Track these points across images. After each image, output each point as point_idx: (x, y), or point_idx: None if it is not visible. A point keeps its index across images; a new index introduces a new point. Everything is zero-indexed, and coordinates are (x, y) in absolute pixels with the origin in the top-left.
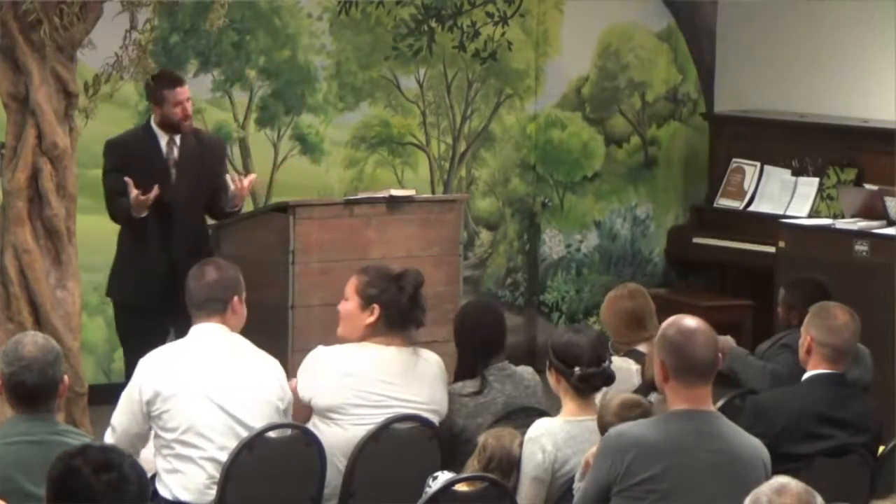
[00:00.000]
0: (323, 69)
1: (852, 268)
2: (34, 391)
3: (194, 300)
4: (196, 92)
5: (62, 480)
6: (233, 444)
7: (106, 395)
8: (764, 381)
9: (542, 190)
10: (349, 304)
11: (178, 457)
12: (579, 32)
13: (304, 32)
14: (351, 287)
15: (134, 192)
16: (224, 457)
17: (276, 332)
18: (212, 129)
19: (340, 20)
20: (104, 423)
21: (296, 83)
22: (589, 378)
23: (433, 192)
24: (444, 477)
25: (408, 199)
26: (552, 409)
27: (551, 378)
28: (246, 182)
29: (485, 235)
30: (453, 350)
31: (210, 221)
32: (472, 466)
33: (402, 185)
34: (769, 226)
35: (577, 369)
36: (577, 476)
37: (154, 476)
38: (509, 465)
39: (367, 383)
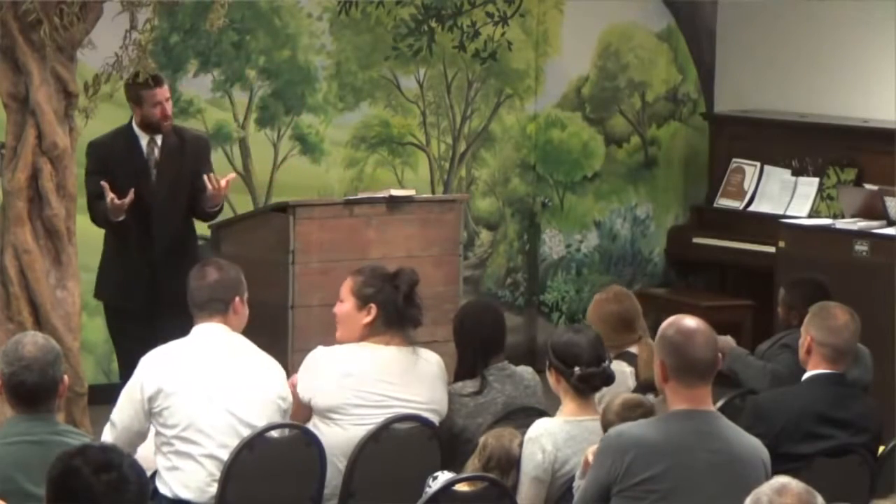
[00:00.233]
0: (323, 69)
1: (852, 268)
2: (34, 391)
3: (196, 300)
4: (196, 92)
5: (62, 480)
6: (234, 442)
7: (106, 395)
8: (764, 381)
9: (542, 190)
10: (346, 306)
11: (179, 454)
12: (579, 32)
13: (304, 32)
14: (346, 288)
15: (110, 195)
16: (224, 454)
17: (276, 332)
18: (212, 129)
19: (340, 20)
20: (104, 423)
21: (296, 83)
22: (589, 378)
23: (433, 192)
24: (444, 477)
25: (408, 199)
26: (552, 409)
27: (551, 378)
28: (223, 182)
29: (485, 235)
30: (453, 350)
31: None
32: (472, 466)
33: (402, 185)
34: (769, 226)
35: (576, 369)
36: (577, 475)
37: (154, 474)
38: (509, 464)
39: (367, 383)
